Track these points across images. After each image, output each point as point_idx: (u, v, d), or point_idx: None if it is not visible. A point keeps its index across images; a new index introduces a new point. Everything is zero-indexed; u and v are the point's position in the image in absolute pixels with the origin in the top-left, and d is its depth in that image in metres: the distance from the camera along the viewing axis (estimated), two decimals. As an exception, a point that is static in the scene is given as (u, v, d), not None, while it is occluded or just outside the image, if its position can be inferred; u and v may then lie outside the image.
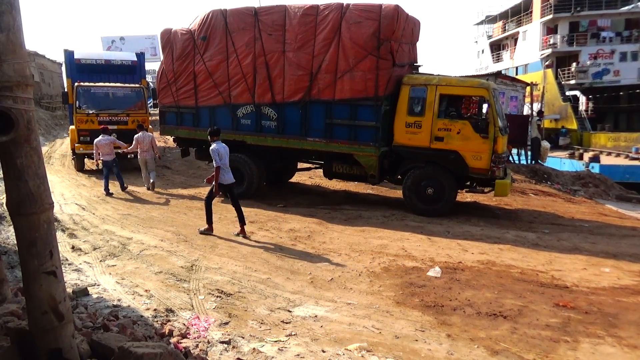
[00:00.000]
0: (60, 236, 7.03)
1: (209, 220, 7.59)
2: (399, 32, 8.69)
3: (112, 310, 4.46)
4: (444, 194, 8.79)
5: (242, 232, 7.46)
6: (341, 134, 9.10)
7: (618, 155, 23.14)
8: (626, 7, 33.05)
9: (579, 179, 14.19)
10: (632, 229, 8.76)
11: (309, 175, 12.90)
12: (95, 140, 10.66)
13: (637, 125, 30.89)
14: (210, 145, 7.53)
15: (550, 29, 33.29)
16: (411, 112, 8.82)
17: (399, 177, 9.31)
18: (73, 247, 6.70)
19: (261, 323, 4.44)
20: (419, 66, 10.10)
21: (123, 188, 10.90)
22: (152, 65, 39.56)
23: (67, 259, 6.09)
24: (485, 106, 8.61)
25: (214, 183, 7.45)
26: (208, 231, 7.54)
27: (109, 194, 10.51)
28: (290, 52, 9.18)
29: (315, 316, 4.62)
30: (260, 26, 9.38)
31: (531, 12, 35.09)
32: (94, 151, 10.71)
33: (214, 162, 7.42)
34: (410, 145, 8.88)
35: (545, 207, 10.38)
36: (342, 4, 8.72)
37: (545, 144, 17.14)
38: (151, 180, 11.06)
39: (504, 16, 40.09)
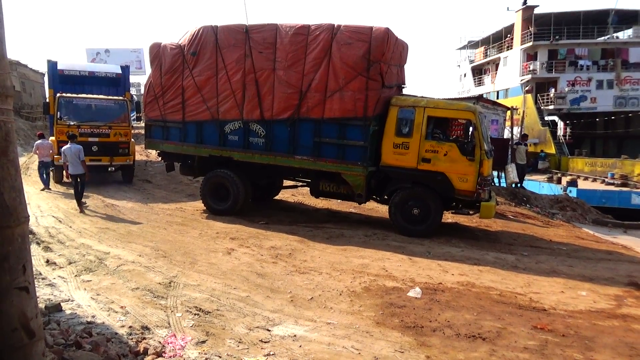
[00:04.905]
0: (34, 249, 6.85)
1: (77, 203, 10.23)
2: (389, 54, 8.83)
3: (86, 326, 4.33)
4: (429, 214, 8.84)
5: (81, 211, 9.93)
6: (329, 153, 9.12)
7: (595, 180, 23.66)
8: (602, 38, 34.40)
9: (557, 203, 14.47)
10: (607, 253, 8.94)
11: (291, 193, 12.86)
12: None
13: (612, 151, 31.83)
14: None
15: (530, 55, 34.34)
16: (399, 133, 8.88)
17: (386, 197, 9.34)
18: (47, 261, 6.52)
19: (239, 342, 4.36)
20: (403, 87, 10.27)
21: (46, 187, 12.28)
22: (137, 79, 39.40)
23: (40, 273, 5.92)
24: (471, 129, 8.74)
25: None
26: (81, 207, 10.12)
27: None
28: (281, 70, 9.22)
29: (295, 335, 4.57)
30: (251, 43, 9.42)
31: (512, 38, 36.18)
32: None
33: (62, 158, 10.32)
34: (397, 166, 8.93)
35: (524, 230, 10.53)
36: (333, 25, 8.84)
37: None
38: None
39: (485, 42, 41.26)
